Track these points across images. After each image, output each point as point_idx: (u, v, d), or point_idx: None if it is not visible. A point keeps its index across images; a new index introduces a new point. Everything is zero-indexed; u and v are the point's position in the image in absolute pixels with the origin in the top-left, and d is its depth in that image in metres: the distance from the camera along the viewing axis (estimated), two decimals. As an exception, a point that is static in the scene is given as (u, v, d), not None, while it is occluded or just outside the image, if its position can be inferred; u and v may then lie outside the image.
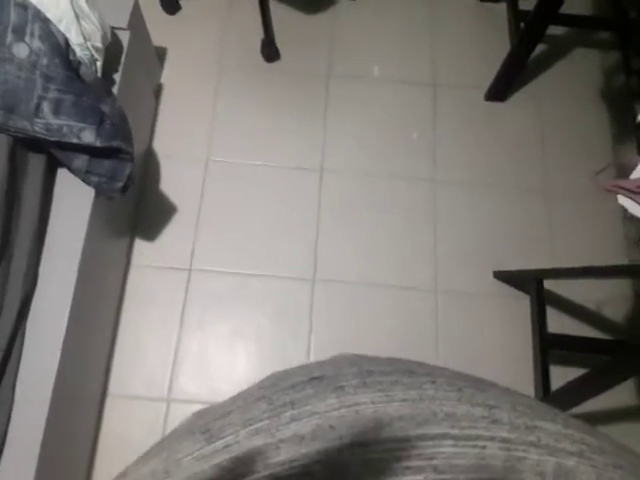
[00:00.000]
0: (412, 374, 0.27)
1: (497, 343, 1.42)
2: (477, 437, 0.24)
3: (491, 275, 1.48)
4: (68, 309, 1.07)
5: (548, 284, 1.40)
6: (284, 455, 0.23)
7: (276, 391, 0.27)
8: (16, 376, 1.01)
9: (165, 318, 1.42)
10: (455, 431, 0.24)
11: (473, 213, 1.55)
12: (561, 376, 1.25)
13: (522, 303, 1.42)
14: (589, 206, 1.55)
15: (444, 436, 0.24)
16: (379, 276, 1.47)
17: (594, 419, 1.30)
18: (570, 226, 1.54)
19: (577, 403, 1.14)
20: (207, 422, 0.26)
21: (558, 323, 1.43)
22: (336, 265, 1.48)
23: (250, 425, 0.25)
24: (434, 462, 0.23)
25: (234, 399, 0.28)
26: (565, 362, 1.35)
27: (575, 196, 1.57)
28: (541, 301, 1.29)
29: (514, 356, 1.39)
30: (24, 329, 1.04)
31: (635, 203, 0.77)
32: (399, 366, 0.28)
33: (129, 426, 1.34)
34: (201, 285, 1.45)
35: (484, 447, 0.23)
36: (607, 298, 1.45)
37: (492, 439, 0.24)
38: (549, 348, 1.25)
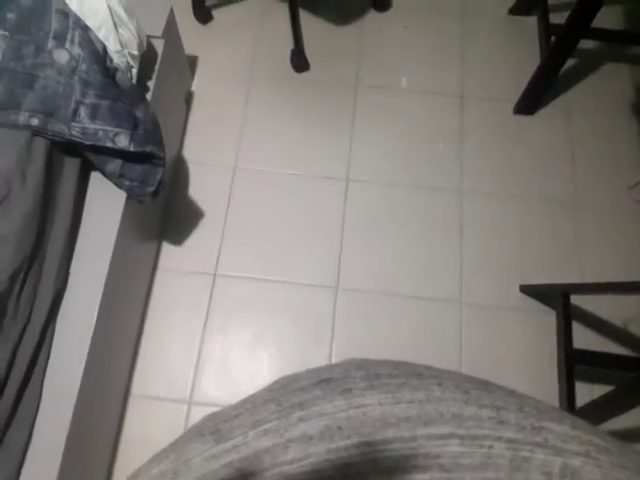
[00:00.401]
0: (419, 376, 0.27)
1: (521, 357, 1.40)
2: (484, 437, 0.24)
3: (517, 288, 1.46)
4: (97, 309, 1.09)
5: (575, 300, 1.39)
6: (292, 454, 0.24)
7: (285, 393, 0.28)
8: (44, 373, 1.03)
9: (189, 321, 1.44)
10: (461, 431, 0.24)
11: (500, 225, 1.55)
12: (587, 392, 1.23)
13: (548, 318, 1.41)
14: (618, 222, 1.53)
15: (450, 436, 0.24)
16: (403, 286, 1.47)
17: (620, 438, 1.27)
18: (598, 241, 1.52)
19: (603, 420, 1.12)
20: (216, 424, 0.27)
21: (584, 339, 1.41)
22: (359, 274, 1.48)
23: (259, 426, 0.25)
24: (440, 461, 0.23)
25: (243, 402, 0.29)
26: (591, 379, 1.33)
27: (604, 211, 1.55)
28: (567, 316, 1.27)
29: (538, 371, 1.37)
30: (54, 327, 1.06)
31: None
32: (406, 369, 0.28)
33: (150, 427, 1.35)
34: (225, 290, 1.46)
35: (491, 447, 0.24)
36: (634, 315, 1.43)
37: (499, 439, 0.24)
38: (575, 363, 1.23)
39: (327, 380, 0.28)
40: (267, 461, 0.24)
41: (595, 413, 1.16)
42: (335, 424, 0.25)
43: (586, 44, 1.70)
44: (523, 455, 0.23)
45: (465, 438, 0.24)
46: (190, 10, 1.77)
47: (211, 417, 0.29)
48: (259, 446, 0.25)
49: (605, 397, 1.13)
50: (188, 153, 1.61)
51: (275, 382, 0.31)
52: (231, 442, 0.25)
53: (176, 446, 0.28)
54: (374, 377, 0.27)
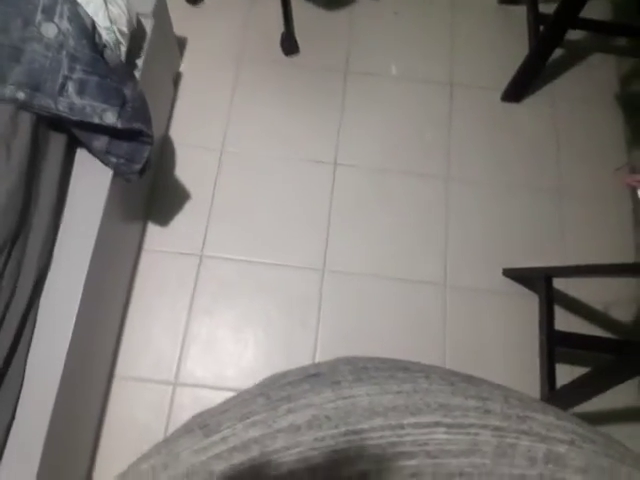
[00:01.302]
0: (406, 370, 0.28)
1: (504, 340, 1.42)
2: (470, 425, 0.25)
3: (500, 272, 1.49)
4: (81, 288, 1.08)
5: (557, 284, 1.41)
6: (281, 443, 0.25)
7: (274, 388, 0.28)
8: (28, 352, 1.02)
9: (174, 302, 1.44)
10: (448, 420, 0.25)
11: (485, 211, 1.56)
12: (567, 374, 1.26)
13: (530, 301, 1.43)
14: (601, 208, 1.56)
15: (437, 424, 0.25)
16: (389, 269, 1.48)
17: (598, 418, 1.30)
18: (581, 227, 1.55)
19: (582, 400, 1.15)
20: (205, 419, 0.28)
21: (565, 322, 1.43)
22: (346, 257, 1.49)
23: (247, 418, 0.26)
24: (427, 448, 0.24)
25: (233, 398, 0.30)
26: (571, 360, 1.36)
27: (588, 198, 1.58)
28: (550, 299, 1.30)
29: (521, 353, 1.40)
30: (37, 306, 1.05)
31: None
32: (394, 364, 0.29)
33: (135, 408, 1.35)
34: (211, 271, 1.46)
35: (477, 434, 0.24)
36: (615, 299, 1.46)
37: (485, 427, 0.25)
38: (556, 345, 1.26)
39: (315, 375, 0.29)
40: (255, 450, 0.25)
41: (574, 393, 1.18)
42: (323, 414, 0.25)
43: (574, 34, 1.71)
44: (508, 442, 0.24)
45: (451, 426, 0.25)
46: (180, -9, 1.75)
47: (200, 414, 0.30)
48: (247, 437, 0.25)
49: (584, 378, 1.15)
50: (175, 134, 1.60)
51: (264, 379, 0.31)
52: (219, 435, 0.26)
53: (166, 442, 0.29)
54: (362, 370, 0.28)
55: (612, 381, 1.12)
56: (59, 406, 1.02)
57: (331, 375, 0.28)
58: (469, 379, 0.29)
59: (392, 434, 0.25)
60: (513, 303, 1.46)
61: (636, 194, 0.78)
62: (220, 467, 0.25)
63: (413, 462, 0.24)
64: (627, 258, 1.51)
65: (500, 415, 0.25)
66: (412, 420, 0.25)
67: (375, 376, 0.28)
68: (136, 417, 1.35)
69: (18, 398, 1.00)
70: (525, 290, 1.47)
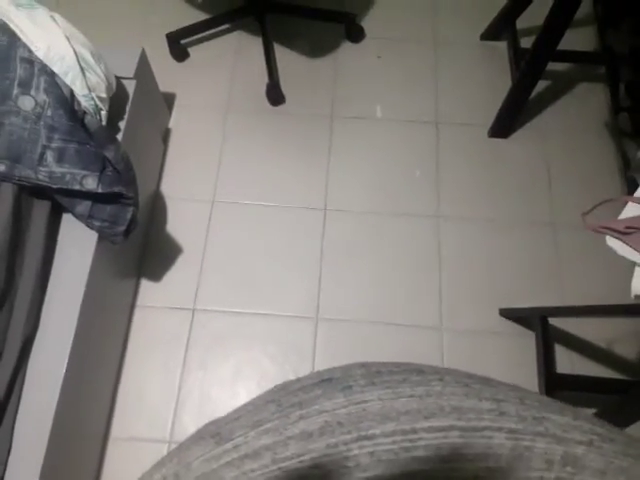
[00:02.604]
0: (420, 373, 0.28)
1: (504, 381, 1.38)
2: (484, 428, 0.24)
3: (497, 313, 1.45)
4: (68, 352, 1.08)
5: (558, 322, 1.37)
6: (292, 450, 0.24)
7: (285, 394, 0.28)
8: (15, 419, 1.02)
9: (168, 358, 1.42)
10: (462, 423, 0.25)
11: (479, 249, 1.54)
12: (570, 418, 1.21)
13: (529, 342, 1.39)
14: (597, 240, 1.52)
15: (451, 428, 0.24)
16: (383, 314, 1.46)
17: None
18: (578, 261, 1.51)
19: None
20: (218, 427, 0.27)
21: (568, 362, 1.39)
22: (339, 304, 1.48)
23: (259, 426, 0.25)
24: (441, 452, 0.24)
25: (245, 405, 0.29)
26: (574, 402, 1.30)
27: (583, 230, 1.54)
28: (546, 339, 1.26)
29: (521, 397, 1.35)
30: (24, 372, 1.05)
31: (624, 244, 0.76)
32: (408, 367, 0.28)
33: (131, 468, 1.33)
34: (204, 325, 1.46)
35: (491, 437, 0.24)
36: (618, 336, 1.41)
37: (499, 430, 0.24)
38: (556, 389, 1.21)
39: (328, 380, 0.28)
40: (267, 457, 0.24)
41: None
42: (335, 420, 0.25)
43: (558, 66, 1.72)
44: (524, 444, 0.24)
45: (465, 430, 0.24)
46: (167, 49, 1.80)
47: (213, 422, 0.30)
48: (259, 444, 0.25)
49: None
50: (166, 189, 1.62)
51: (276, 385, 0.31)
52: (231, 443, 0.26)
53: (178, 451, 0.28)
54: (375, 374, 0.28)
55: (619, 423, 1.07)
56: (48, 470, 1.01)
57: (343, 379, 0.28)
58: (485, 381, 0.28)
59: (405, 439, 0.24)
60: (512, 344, 1.42)
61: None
62: (231, 475, 0.24)
63: (426, 467, 0.24)
64: (627, 291, 1.47)
65: (515, 417, 0.25)
66: (425, 424, 0.24)
67: (388, 380, 0.27)
68: (132, 477, 1.32)
69: (6, 465, 0.99)
70: (524, 330, 1.43)
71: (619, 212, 0.89)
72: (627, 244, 0.72)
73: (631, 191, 0.79)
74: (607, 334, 1.42)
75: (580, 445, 0.24)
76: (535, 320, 1.31)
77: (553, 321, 1.36)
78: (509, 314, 1.43)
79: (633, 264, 0.73)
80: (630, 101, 1.36)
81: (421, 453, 0.24)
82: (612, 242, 0.75)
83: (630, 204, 0.77)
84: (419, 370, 0.28)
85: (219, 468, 0.25)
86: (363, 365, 0.29)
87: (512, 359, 1.40)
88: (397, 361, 0.30)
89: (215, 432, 0.27)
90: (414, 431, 0.24)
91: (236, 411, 0.29)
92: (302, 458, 0.24)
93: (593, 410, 1.16)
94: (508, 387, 0.28)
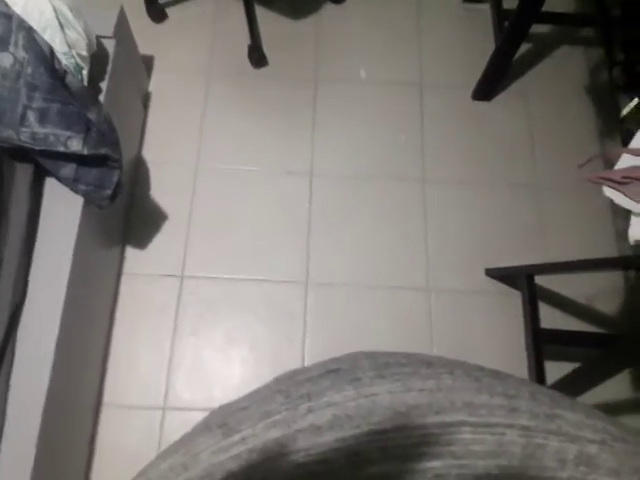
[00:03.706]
0: (430, 365, 0.27)
1: (491, 340, 1.42)
2: (496, 424, 0.24)
3: (483, 273, 1.48)
4: (59, 318, 1.06)
5: (541, 280, 1.41)
6: (301, 444, 0.24)
7: (293, 384, 0.27)
8: (8, 388, 1.00)
9: (158, 325, 1.41)
10: (473, 419, 0.24)
11: (464, 211, 1.56)
12: (556, 371, 1.25)
13: (515, 300, 1.43)
14: (579, 200, 1.56)
15: (462, 423, 0.24)
16: (371, 277, 1.47)
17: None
18: (561, 221, 1.55)
19: (573, 396, 1.14)
20: (224, 417, 0.27)
21: (551, 319, 1.43)
22: (328, 267, 1.48)
23: (267, 418, 0.25)
24: (452, 448, 0.24)
25: (252, 394, 0.29)
26: (559, 357, 1.35)
27: (565, 191, 1.58)
28: (533, 297, 1.29)
29: (508, 353, 1.39)
30: (14, 340, 1.03)
31: (621, 194, 0.78)
32: (417, 358, 0.28)
33: (125, 435, 1.33)
34: (193, 292, 1.44)
35: (503, 434, 0.24)
36: (599, 292, 1.46)
37: (511, 426, 0.24)
38: (543, 343, 1.25)
39: (335, 370, 0.28)
40: (275, 451, 0.24)
41: (564, 391, 1.18)
42: (344, 413, 0.25)
43: (540, 28, 1.73)
44: (537, 442, 0.24)
45: (477, 426, 0.24)
46: (144, 9, 1.73)
47: (220, 410, 0.29)
48: (267, 437, 0.25)
49: (573, 374, 1.15)
50: (148, 154, 1.58)
51: (284, 374, 0.31)
52: (239, 435, 0.25)
53: (184, 441, 0.28)
54: (383, 366, 0.28)
55: (602, 375, 1.12)
56: (44, 437, 1.01)
57: (352, 371, 0.28)
58: (495, 374, 0.29)
59: (415, 434, 0.24)
60: (498, 303, 1.45)
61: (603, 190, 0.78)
62: (238, 468, 0.24)
63: (437, 463, 0.24)
64: (608, 248, 1.52)
65: (527, 414, 0.25)
66: (436, 419, 0.24)
67: (397, 372, 0.27)
68: (127, 444, 1.33)
69: (2, 431, 0.97)
70: (509, 289, 1.46)
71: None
72: (624, 194, 0.74)
73: (626, 143, 0.81)
74: (588, 290, 1.47)
75: (593, 444, 0.24)
76: (521, 278, 1.34)
77: (536, 280, 1.39)
78: (495, 274, 1.46)
79: (628, 213, 0.75)
80: (623, 55, 1.39)
81: (431, 449, 0.24)
82: (609, 192, 0.77)
83: (625, 155, 0.79)
84: (428, 362, 0.28)
85: (226, 460, 0.24)
86: (370, 356, 0.29)
87: (498, 317, 1.44)
88: (406, 352, 0.30)
89: (222, 422, 0.27)
90: (424, 426, 0.24)
91: (243, 399, 0.28)
92: (310, 452, 0.24)
93: (579, 364, 1.21)
94: (518, 381, 0.28)
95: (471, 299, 1.46)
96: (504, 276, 1.46)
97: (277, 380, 0.30)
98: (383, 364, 0.28)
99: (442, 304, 1.45)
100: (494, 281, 1.48)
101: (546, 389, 0.29)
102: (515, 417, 0.25)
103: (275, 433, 0.24)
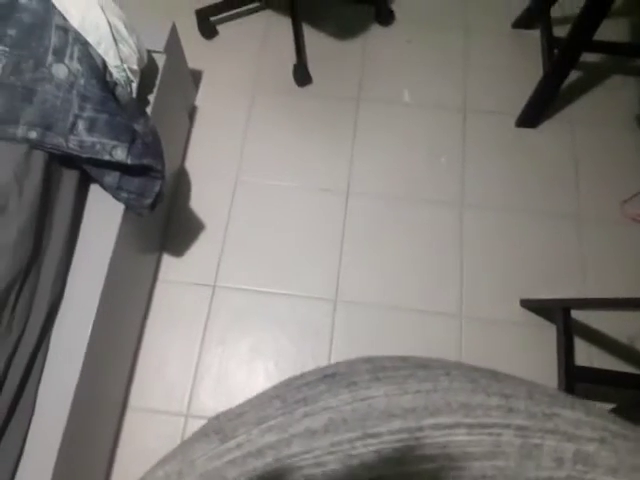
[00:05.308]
0: (426, 367, 0.27)
1: (522, 373, 1.36)
2: (492, 425, 0.24)
3: (518, 303, 1.44)
4: (92, 320, 1.09)
5: (578, 315, 1.36)
6: (296, 448, 0.24)
7: (290, 389, 0.28)
8: (38, 384, 1.03)
9: (188, 333, 1.44)
10: (469, 420, 0.24)
11: (502, 239, 1.53)
12: (588, 411, 1.20)
13: (550, 333, 1.38)
14: (622, 234, 1.51)
15: (458, 425, 0.24)
16: (402, 300, 1.46)
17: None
18: (602, 255, 1.50)
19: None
20: (221, 423, 0.27)
21: (587, 355, 1.38)
22: (359, 287, 1.48)
23: (263, 423, 0.25)
24: (448, 450, 0.23)
25: (249, 400, 0.29)
26: (592, 396, 1.30)
27: (608, 224, 1.53)
28: (568, 332, 1.25)
29: (539, 388, 1.35)
30: (49, 339, 1.07)
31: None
32: (414, 361, 0.28)
33: (147, 439, 1.35)
34: (224, 302, 1.46)
35: (499, 435, 0.23)
36: (639, 332, 1.40)
37: (507, 427, 0.23)
38: (576, 381, 1.21)
39: (332, 375, 0.28)
40: (270, 456, 0.24)
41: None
42: (340, 417, 0.25)
43: (590, 57, 1.69)
44: (533, 442, 0.23)
45: (473, 427, 0.24)
46: (196, 26, 1.79)
47: (216, 417, 0.30)
48: (262, 442, 0.25)
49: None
50: (190, 166, 1.63)
51: (281, 382, 0.31)
52: (235, 441, 0.26)
53: (182, 448, 0.29)
54: (380, 369, 0.28)
55: (635, 418, 1.06)
56: (68, 438, 1.03)
57: (348, 375, 0.28)
58: (493, 375, 0.28)
59: (411, 437, 0.24)
60: (531, 335, 1.41)
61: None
62: (233, 473, 0.24)
63: (433, 466, 0.23)
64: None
65: (524, 413, 0.24)
66: (432, 421, 0.24)
67: (394, 375, 0.27)
68: (148, 448, 1.35)
69: (27, 431, 1.01)
70: (544, 321, 1.42)
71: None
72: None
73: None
74: (627, 329, 1.41)
75: (592, 442, 0.23)
76: (557, 312, 1.30)
77: (573, 314, 1.35)
78: (530, 305, 1.42)
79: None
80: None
81: (427, 451, 0.23)
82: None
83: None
84: (425, 365, 0.28)
85: (222, 466, 0.24)
86: (368, 360, 0.29)
87: (531, 350, 1.40)
88: (403, 355, 0.30)
89: (219, 428, 0.27)
90: (420, 429, 0.24)
91: (240, 406, 0.29)
92: (306, 456, 0.23)
93: (612, 405, 1.15)
94: (516, 381, 0.28)
95: (504, 329, 1.42)
96: (540, 308, 1.41)
97: (275, 386, 0.31)
98: (380, 367, 0.28)
99: (473, 332, 1.42)
100: (529, 312, 1.43)
101: (545, 387, 0.28)
102: (512, 417, 0.24)
103: (270, 438, 0.25)
